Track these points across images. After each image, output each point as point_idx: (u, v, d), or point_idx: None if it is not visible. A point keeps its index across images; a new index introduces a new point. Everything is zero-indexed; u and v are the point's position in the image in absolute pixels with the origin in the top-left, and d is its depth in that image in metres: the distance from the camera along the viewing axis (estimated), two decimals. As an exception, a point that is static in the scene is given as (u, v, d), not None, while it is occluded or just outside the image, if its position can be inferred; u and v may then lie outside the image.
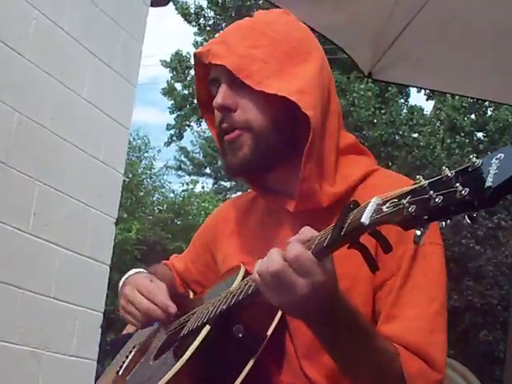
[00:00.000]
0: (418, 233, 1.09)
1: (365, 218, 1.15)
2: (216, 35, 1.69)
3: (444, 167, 1.06)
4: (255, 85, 1.56)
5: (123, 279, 1.86)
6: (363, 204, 1.19)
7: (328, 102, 1.61)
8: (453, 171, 1.05)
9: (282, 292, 1.28)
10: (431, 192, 1.05)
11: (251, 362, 1.47)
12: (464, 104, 17.95)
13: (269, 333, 1.50)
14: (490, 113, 18.35)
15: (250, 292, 1.44)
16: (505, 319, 12.27)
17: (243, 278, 1.57)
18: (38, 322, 3.66)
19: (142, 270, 1.87)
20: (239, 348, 1.49)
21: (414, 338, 1.47)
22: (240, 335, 1.48)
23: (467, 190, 1.00)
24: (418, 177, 1.10)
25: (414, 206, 1.07)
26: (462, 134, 18.03)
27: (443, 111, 18.47)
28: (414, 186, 1.10)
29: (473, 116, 18.68)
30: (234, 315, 1.51)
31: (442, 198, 1.04)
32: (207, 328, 1.51)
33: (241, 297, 1.47)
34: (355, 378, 1.46)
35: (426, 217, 1.06)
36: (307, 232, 1.30)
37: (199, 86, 1.77)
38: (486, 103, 17.16)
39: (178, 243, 19.23)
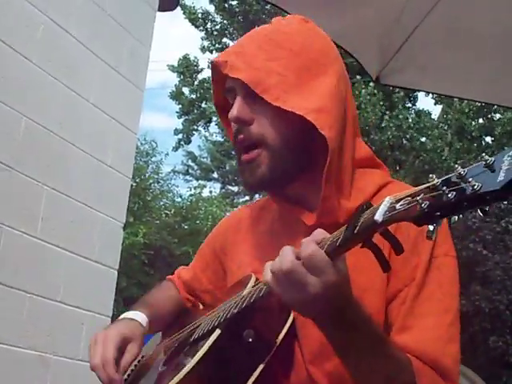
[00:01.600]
0: (431, 228, 1.11)
1: (378, 216, 1.16)
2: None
3: (456, 165, 1.09)
4: (272, 100, 1.54)
5: (115, 321, 1.84)
6: (376, 204, 1.21)
7: (345, 114, 1.60)
8: (466, 169, 1.07)
9: (294, 290, 1.27)
10: (444, 188, 1.08)
11: (260, 368, 1.48)
12: (472, 108, 17.94)
13: (279, 339, 1.51)
14: (498, 117, 18.33)
15: (261, 294, 1.44)
16: (513, 324, 12.26)
17: (254, 285, 1.57)
18: (45, 326, 3.67)
19: (137, 316, 1.82)
20: (249, 353, 1.49)
21: (428, 348, 1.47)
22: (250, 340, 1.49)
23: (479, 184, 1.03)
24: (430, 175, 1.13)
25: (427, 202, 1.09)
26: (470, 138, 18.02)
27: (451, 115, 18.46)
28: (427, 185, 1.12)
29: (481, 120, 18.66)
30: (245, 320, 1.51)
31: (454, 193, 1.06)
32: (217, 332, 1.51)
33: (252, 299, 1.47)
34: None
35: (439, 212, 1.09)
36: (320, 234, 1.30)
37: (216, 89, 1.75)
38: (494, 107, 17.13)
39: (185, 248, 19.23)
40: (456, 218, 1.09)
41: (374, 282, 1.50)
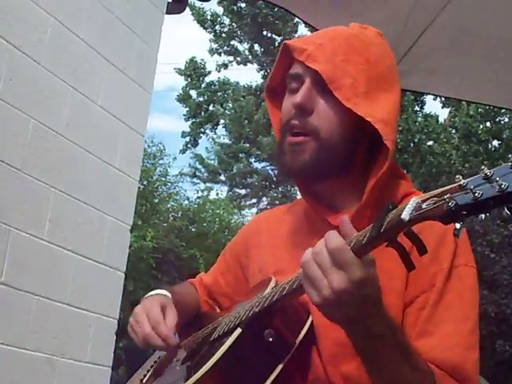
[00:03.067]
0: (458, 226, 1.14)
1: (405, 215, 1.19)
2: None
3: (482, 167, 1.12)
4: (345, 100, 1.58)
5: (144, 298, 1.86)
6: (402, 204, 1.23)
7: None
8: (492, 170, 1.10)
9: (322, 283, 1.28)
10: (471, 187, 1.10)
11: (279, 367, 1.49)
12: (479, 111, 17.90)
13: (298, 340, 1.52)
14: (505, 120, 18.29)
15: (284, 293, 1.46)
16: (520, 328, 12.23)
17: (275, 286, 1.58)
18: (53, 329, 3.67)
19: (163, 292, 1.84)
20: (269, 352, 1.51)
21: (449, 354, 1.48)
22: (270, 339, 1.50)
23: (507, 184, 1.06)
24: (457, 176, 1.15)
25: (454, 201, 1.12)
26: (477, 142, 17.99)
27: (458, 118, 18.43)
28: (453, 185, 1.15)
29: (488, 123, 18.62)
30: (266, 319, 1.53)
31: (481, 192, 1.09)
32: (239, 330, 1.53)
33: (275, 298, 1.48)
34: None
35: (466, 211, 1.11)
36: (347, 226, 1.33)
37: (276, 71, 1.78)
38: (502, 110, 17.10)
39: (193, 251, 19.23)
40: (483, 216, 1.11)
41: (393, 284, 1.52)
